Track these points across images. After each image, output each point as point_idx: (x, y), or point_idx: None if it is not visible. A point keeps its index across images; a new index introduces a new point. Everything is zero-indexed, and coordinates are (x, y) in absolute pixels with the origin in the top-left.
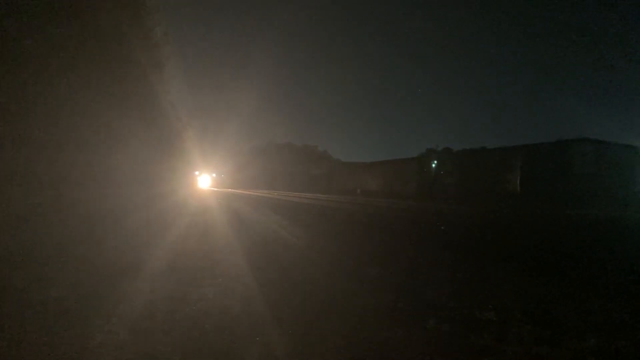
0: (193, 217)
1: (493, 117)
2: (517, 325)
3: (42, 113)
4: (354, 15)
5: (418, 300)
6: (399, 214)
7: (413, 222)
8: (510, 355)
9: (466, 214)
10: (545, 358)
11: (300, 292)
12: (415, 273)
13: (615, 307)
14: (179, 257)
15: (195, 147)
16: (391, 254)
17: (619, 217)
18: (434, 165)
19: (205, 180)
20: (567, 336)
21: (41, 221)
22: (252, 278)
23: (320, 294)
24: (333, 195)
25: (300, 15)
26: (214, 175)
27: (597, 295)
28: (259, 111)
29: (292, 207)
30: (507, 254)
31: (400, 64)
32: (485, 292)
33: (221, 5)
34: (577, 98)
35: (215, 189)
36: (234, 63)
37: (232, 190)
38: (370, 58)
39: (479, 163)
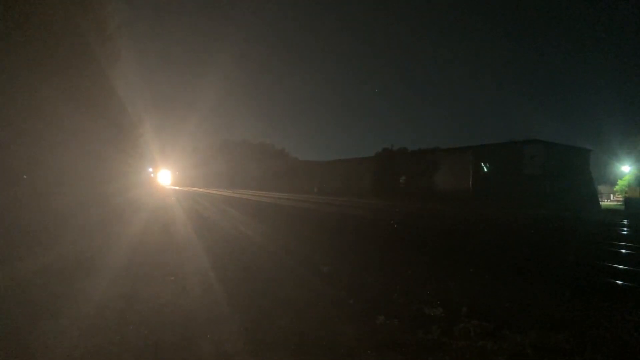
0: (151, 213)
1: (447, 118)
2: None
3: None
4: (312, 15)
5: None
6: (350, 212)
7: (364, 220)
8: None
9: (415, 212)
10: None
11: (257, 290)
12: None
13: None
14: (136, 256)
15: (152, 144)
16: (341, 250)
17: (562, 217)
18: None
19: (163, 178)
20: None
21: None
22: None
23: (276, 290)
24: (291, 194)
25: (258, 14)
26: (168, 172)
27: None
28: (216, 109)
29: (252, 207)
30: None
31: (357, 63)
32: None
33: (179, 4)
34: (528, 100)
35: (171, 187)
36: (191, 61)
37: (189, 188)
38: (327, 57)
39: (433, 163)
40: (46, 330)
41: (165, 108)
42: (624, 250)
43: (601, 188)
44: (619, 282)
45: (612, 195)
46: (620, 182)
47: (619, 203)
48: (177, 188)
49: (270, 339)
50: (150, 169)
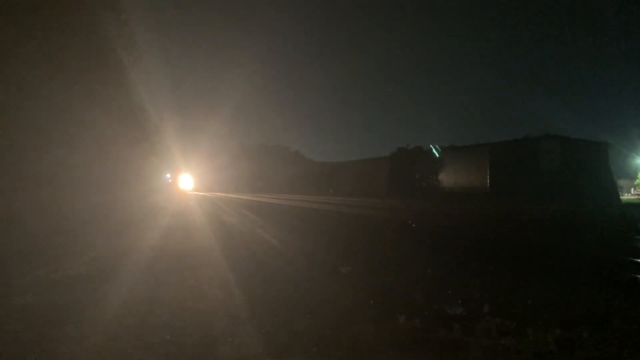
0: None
1: (463, 116)
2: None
3: (23, 113)
4: (327, 18)
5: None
6: (368, 213)
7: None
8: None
9: (431, 212)
10: None
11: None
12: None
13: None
14: (156, 261)
15: (174, 149)
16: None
17: (580, 213)
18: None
19: (184, 183)
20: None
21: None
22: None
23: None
24: (309, 196)
25: (275, 18)
26: (189, 177)
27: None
28: (235, 113)
29: (276, 211)
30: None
31: (370, 63)
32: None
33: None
34: (544, 95)
35: (192, 193)
36: (211, 65)
37: (210, 194)
38: (341, 59)
39: (449, 161)
40: (70, 336)
41: (186, 113)
42: None
43: (621, 182)
44: None
45: (632, 189)
46: None
47: None
48: (198, 194)
49: (291, 341)
50: (168, 175)
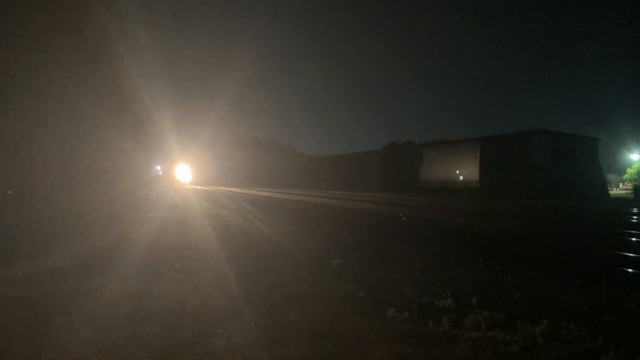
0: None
1: (454, 110)
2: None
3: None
4: (321, 13)
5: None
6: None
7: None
8: None
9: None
10: None
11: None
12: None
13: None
14: (148, 254)
15: (170, 140)
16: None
17: (568, 207)
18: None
19: (181, 175)
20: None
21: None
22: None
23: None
24: (303, 190)
25: (269, 13)
26: (183, 168)
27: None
28: (228, 107)
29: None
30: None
31: (363, 58)
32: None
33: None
34: (536, 90)
35: (185, 186)
36: (207, 59)
37: (206, 187)
38: (333, 53)
39: (440, 155)
40: (60, 328)
41: (181, 105)
42: (634, 239)
43: (610, 177)
44: (631, 270)
45: (621, 184)
46: (629, 171)
47: (629, 191)
48: (195, 187)
49: (282, 334)
50: (158, 167)
